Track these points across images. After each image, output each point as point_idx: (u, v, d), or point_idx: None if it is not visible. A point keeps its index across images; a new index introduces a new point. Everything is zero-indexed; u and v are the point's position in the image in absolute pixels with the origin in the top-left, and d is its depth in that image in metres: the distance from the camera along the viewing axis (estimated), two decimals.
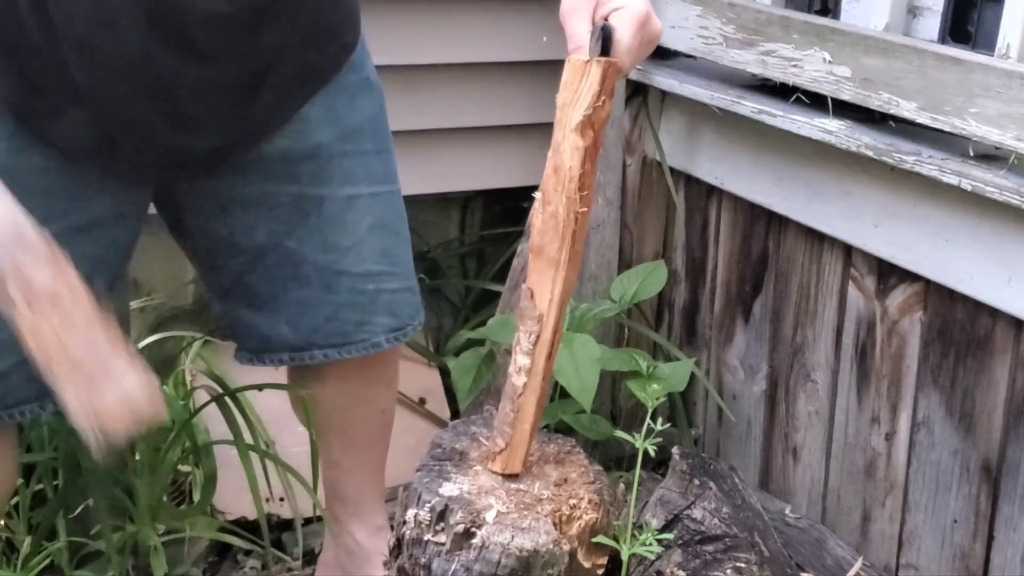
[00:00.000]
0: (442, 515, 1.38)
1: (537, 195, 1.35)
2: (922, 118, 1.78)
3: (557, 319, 1.35)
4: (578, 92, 1.29)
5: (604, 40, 1.32)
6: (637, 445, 1.47)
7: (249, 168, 1.58)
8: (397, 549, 1.47)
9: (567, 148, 1.30)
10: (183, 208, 1.64)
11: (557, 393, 2.37)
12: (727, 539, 1.65)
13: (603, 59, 1.27)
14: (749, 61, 2.10)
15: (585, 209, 1.33)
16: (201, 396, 2.26)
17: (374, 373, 1.83)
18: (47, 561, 2.04)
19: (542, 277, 1.35)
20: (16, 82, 1.37)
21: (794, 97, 2.03)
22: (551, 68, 2.62)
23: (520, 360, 1.37)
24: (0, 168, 1.29)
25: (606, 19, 1.31)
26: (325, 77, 1.57)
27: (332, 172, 1.61)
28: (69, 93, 1.37)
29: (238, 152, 1.55)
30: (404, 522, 1.43)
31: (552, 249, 1.34)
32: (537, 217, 1.36)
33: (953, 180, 1.74)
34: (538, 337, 1.36)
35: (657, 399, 1.51)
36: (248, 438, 2.13)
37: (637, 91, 2.41)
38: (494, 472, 1.44)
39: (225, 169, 1.57)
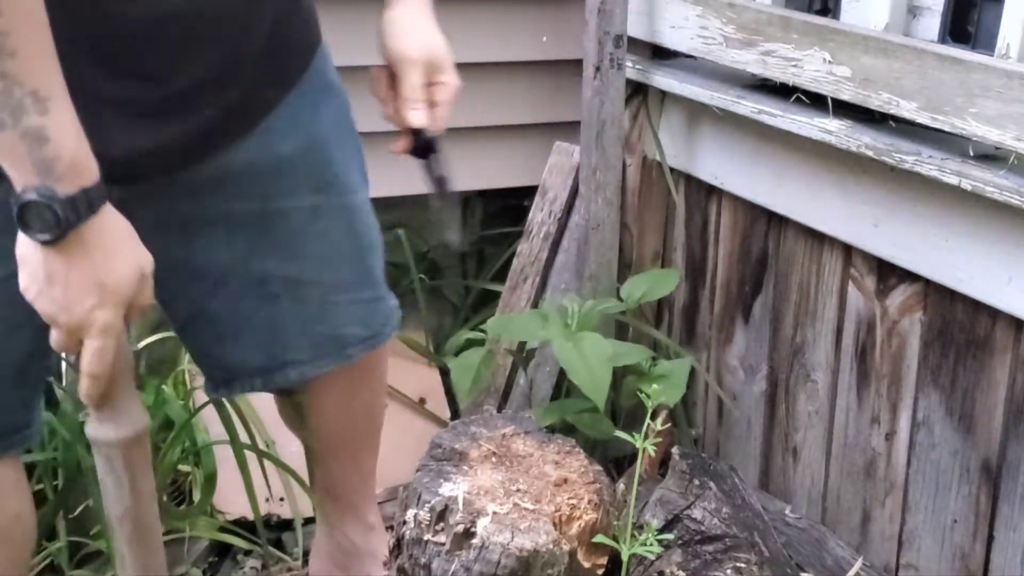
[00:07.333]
0: (442, 515, 1.39)
1: None
2: (922, 118, 1.78)
3: None
4: None
5: (429, 147, 1.49)
6: (637, 445, 1.47)
7: (211, 186, 1.51)
8: (397, 549, 1.47)
9: None
10: (141, 234, 1.54)
11: (562, 392, 2.37)
12: (727, 539, 1.65)
13: None
14: (749, 61, 2.10)
15: None
16: (201, 396, 2.26)
17: (362, 379, 1.80)
18: (47, 561, 2.04)
19: None
20: None
21: (794, 97, 2.02)
22: (551, 68, 2.64)
23: None
24: None
25: (433, 101, 1.48)
26: (290, 81, 1.52)
27: (297, 183, 1.56)
28: None
29: (198, 157, 1.47)
30: (404, 522, 1.43)
31: None
32: None
33: (953, 180, 1.74)
34: None
35: (658, 399, 1.51)
36: (248, 438, 2.13)
37: (637, 91, 2.41)
38: None
39: (185, 189, 1.50)
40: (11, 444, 1.50)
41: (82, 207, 1.17)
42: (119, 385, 1.28)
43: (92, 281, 1.20)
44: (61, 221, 1.16)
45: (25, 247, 1.20)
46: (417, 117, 1.47)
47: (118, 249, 1.22)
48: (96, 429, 1.30)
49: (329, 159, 1.58)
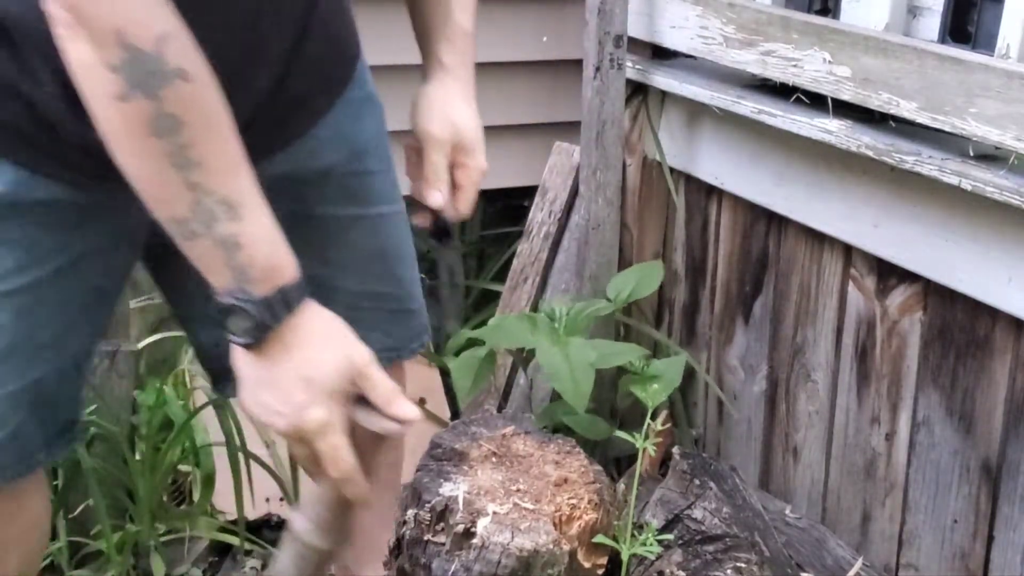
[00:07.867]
0: (442, 515, 1.38)
1: None
2: (922, 118, 1.78)
3: None
4: None
5: (444, 231, 1.48)
6: (638, 445, 1.47)
7: None
8: (397, 549, 1.47)
9: None
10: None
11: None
12: (727, 539, 1.65)
13: None
14: (749, 61, 2.10)
15: None
16: (201, 396, 2.26)
17: None
18: (47, 561, 2.04)
19: None
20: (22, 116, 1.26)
21: (794, 97, 2.02)
22: (551, 68, 2.64)
23: None
24: (8, 204, 1.26)
25: (454, 182, 1.48)
26: (338, 90, 1.51)
27: (339, 193, 1.54)
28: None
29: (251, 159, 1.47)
30: (404, 522, 1.43)
31: None
32: None
33: (953, 180, 1.74)
34: None
35: (656, 401, 1.51)
36: (250, 438, 2.13)
37: (637, 91, 2.41)
38: None
39: None
40: (74, 437, 1.49)
41: (278, 307, 1.15)
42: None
43: (297, 379, 1.16)
44: (257, 323, 1.13)
45: (238, 358, 1.17)
46: (434, 198, 1.45)
47: (323, 345, 1.19)
48: (306, 528, 1.27)
49: (368, 171, 1.57)
